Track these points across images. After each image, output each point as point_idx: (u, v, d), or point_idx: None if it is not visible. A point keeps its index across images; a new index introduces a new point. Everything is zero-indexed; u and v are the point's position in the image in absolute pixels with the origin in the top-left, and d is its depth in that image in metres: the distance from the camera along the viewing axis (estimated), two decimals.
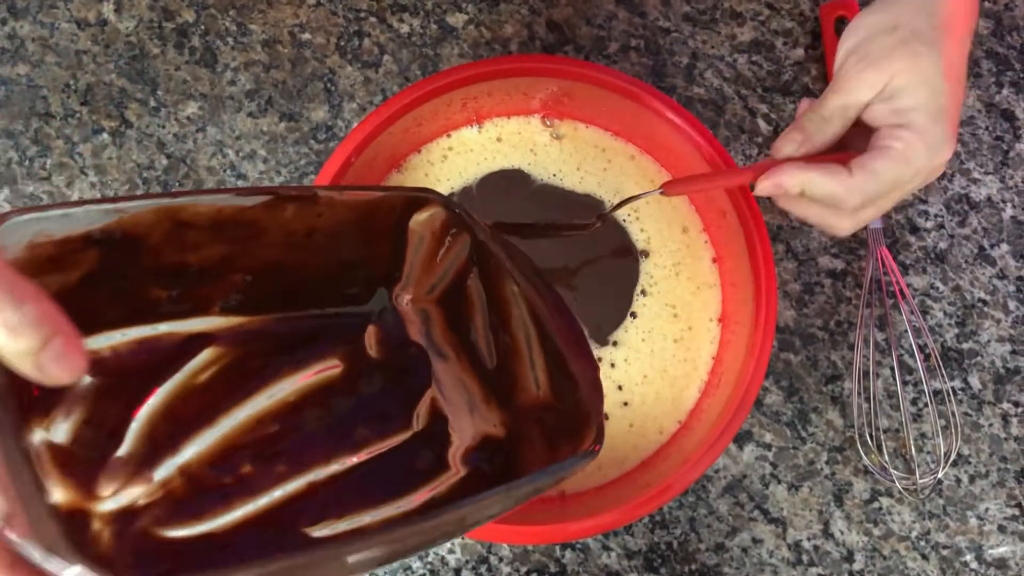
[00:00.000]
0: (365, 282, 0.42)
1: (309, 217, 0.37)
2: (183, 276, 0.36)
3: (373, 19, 0.59)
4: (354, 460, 0.38)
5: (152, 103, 0.57)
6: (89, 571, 0.25)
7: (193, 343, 0.38)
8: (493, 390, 0.42)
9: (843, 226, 0.43)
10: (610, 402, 0.52)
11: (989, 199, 0.58)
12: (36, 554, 0.26)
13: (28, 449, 0.28)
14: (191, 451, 0.36)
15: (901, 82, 0.41)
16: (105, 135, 0.57)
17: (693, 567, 0.53)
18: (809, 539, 0.54)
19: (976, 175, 0.58)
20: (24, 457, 0.28)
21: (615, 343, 0.53)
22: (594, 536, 0.53)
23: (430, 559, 0.52)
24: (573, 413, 0.37)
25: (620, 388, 0.52)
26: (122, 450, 0.35)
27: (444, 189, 0.54)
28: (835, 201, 0.41)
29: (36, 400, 0.34)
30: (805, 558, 0.53)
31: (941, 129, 0.40)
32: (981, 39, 0.60)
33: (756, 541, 0.53)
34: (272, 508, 0.36)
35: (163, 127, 0.57)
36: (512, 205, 0.54)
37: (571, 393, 0.38)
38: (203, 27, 0.58)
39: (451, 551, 0.52)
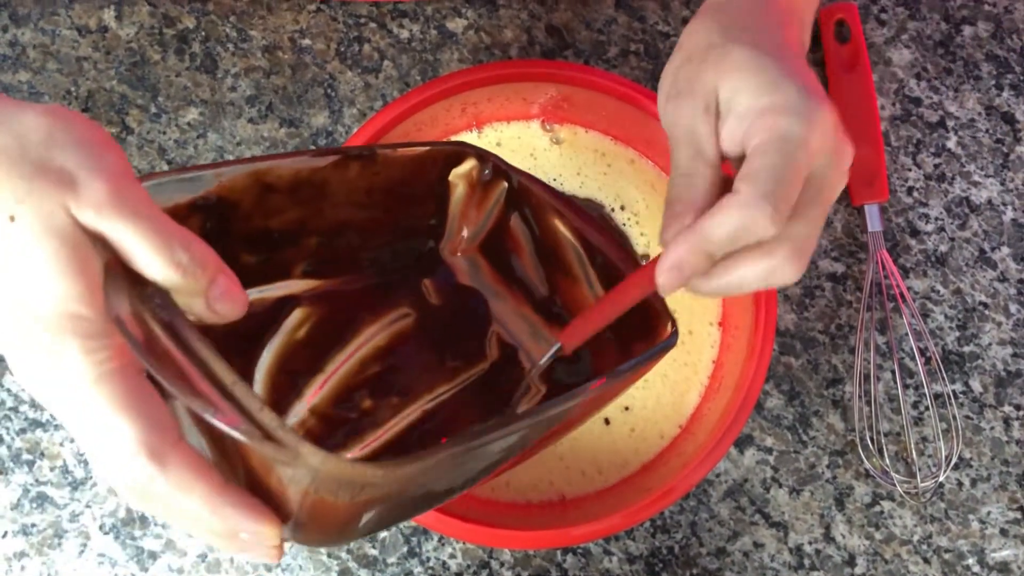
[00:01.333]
0: (416, 239, 0.46)
1: (368, 175, 0.41)
2: (267, 242, 0.40)
3: (373, 25, 0.59)
4: (453, 387, 0.43)
5: (153, 109, 0.57)
6: (316, 449, 0.27)
7: (281, 306, 0.42)
8: (552, 315, 0.45)
9: (785, 263, 0.34)
10: (611, 407, 0.52)
11: (990, 202, 0.58)
12: (268, 420, 0.27)
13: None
14: (313, 395, 0.40)
15: (726, 90, 0.35)
16: None
17: (695, 571, 0.53)
18: (811, 543, 0.53)
19: (976, 178, 0.58)
20: (215, 354, 0.29)
21: None
22: (595, 541, 0.53)
23: (431, 564, 0.52)
24: (640, 315, 0.39)
25: None
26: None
27: None
28: (747, 232, 0.33)
29: None
30: (807, 562, 0.53)
31: (792, 90, 0.34)
32: (981, 42, 0.60)
33: (757, 545, 0.53)
34: (401, 434, 0.41)
35: (164, 133, 0.57)
36: None
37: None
38: (203, 33, 0.58)
39: (452, 556, 0.52)
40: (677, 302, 0.53)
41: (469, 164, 0.44)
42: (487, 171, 0.45)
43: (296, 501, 0.29)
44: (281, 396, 0.40)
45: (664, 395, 0.52)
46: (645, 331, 0.40)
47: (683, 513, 0.54)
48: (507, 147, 0.55)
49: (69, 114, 0.30)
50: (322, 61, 0.58)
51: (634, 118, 0.52)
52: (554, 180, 0.55)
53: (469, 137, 0.55)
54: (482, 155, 0.44)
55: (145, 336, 0.29)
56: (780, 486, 0.54)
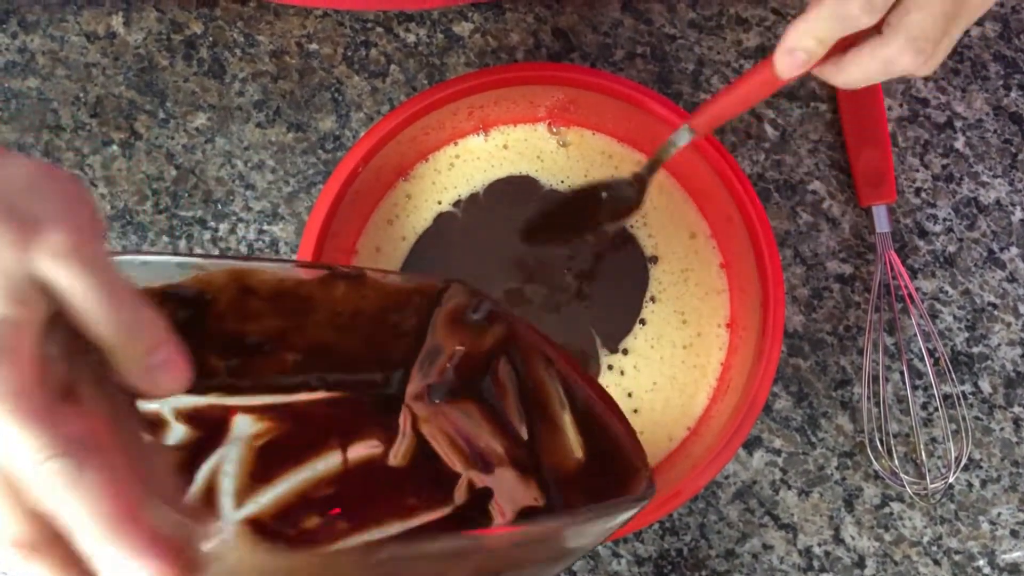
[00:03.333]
0: (397, 371, 0.43)
1: (355, 298, 0.39)
2: (241, 348, 0.38)
3: (380, 29, 0.59)
4: (407, 525, 0.40)
5: (161, 115, 0.58)
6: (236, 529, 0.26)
7: (243, 416, 0.40)
8: (528, 467, 0.42)
9: (901, 54, 0.35)
10: None
11: (998, 202, 0.57)
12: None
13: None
14: (254, 506, 0.38)
15: None
16: (115, 147, 0.57)
17: (703, 573, 0.53)
18: (820, 545, 0.53)
19: (985, 178, 0.58)
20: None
21: (624, 351, 0.53)
22: (604, 543, 0.53)
23: None
24: (616, 471, 0.38)
25: (630, 395, 0.52)
26: (188, 499, 0.37)
27: (451, 196, 0.55)
28: (844, 22, 0.35)
29: None
30: (816, 564, 0.53)
31: None
32: (988, 42, 0.59)
33: (767, 547, 0.53)
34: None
35: (172, 138, 0.57)
36: (520, 211, 0.55)
37: (612, 453, 0.38)
38: (211, 39, 0.58)
39: None
40: (686, 303, 0.53)
41: (456, 302, 0.42)
42: (479, 312, 0.42)
43: None
44: (215, 503, 0.38)
45: (672, 397, 0.52)
46: (619, 488, 0.38)
47: (692, 515, 0.54)
48: (514, 150, 0.55)
49: (54, 169, 0.30)
50: (329, 66, 0.58)
51: (641, 120, 0.52)
52: (562, 182, 0.55)
53: (476, 140, 0.55)
54: (474, 294, 0.42)
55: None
56: (789, 488, 0.54)
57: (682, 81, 0.58)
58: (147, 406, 0.37)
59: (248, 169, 0.57)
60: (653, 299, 0.54)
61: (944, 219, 0.57)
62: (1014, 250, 0.57)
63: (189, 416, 0.38)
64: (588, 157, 0.55)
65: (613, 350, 0.53)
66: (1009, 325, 0.56)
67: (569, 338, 0.53)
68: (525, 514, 0.41)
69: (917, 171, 0.58)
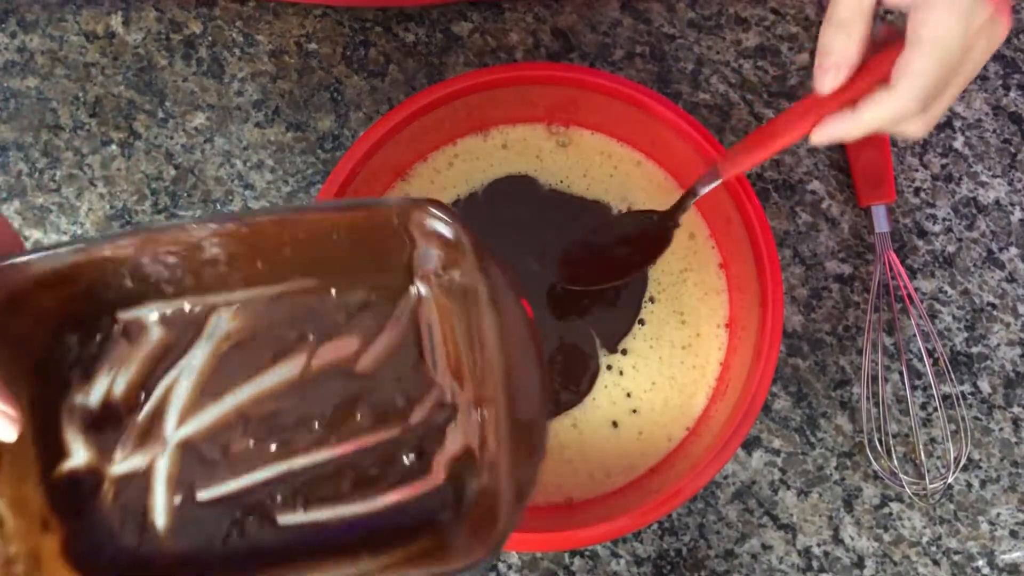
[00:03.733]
0: (395, 264, 0.40)
1: (297, 231, 0.37)
2: (194, 268, 0.38)
3: (379, 29, 0.59)
4: (341, 450, 0.39)
5: (160, 114, 0.58)
6: None
7: (221, 313, 0.40)
8: (481, 407, 0.39)
9: (916, 131, 0.39)
10: (619, 410, 0.52)
11: (997, 202, 0.57)
12: None
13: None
14: (193, 425, 0.39)
15: None
16: (114, 146, 0.57)
17: (703, 574, 0.53)
18: (819, 545, 0.53)
19: (984, 178, 0.58)
20: None
21: (624, 351, 0.53)
22: (603, 543, 0.53)
23: None
24: (493, 502, 0.35)
25: (629, 395, 0.52)
26: (140, 417, 0.38)
27: (451, 196, 0.55)
28: (896, 121, 0.38)
29: (80, 366, 0.38)
30: (815, 564, 0.53)
31: None
32: None
33: (766, 547, 0.53)
34: (253, 487, 0.38)
35: (171, 138, 0.57)
36: (520, 210, 0.55)
37: (499, 478, 0.35)
38: (210, 38, 0.58)
39: None
40: (684, 303, 0.53)
41: (429, 221, 0.37)
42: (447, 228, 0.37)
43: None
44: (162, 419, 0.38)
45: (672, 398, 0.52)
46: (487, 522, 0.35)
47: (691, 515, 0.53)
48: (513, 149, 0.55)
49: None
50: (328, 65, 0.58)
51: (640, 120, 0.52)
52: (561, 182, 0.55)
53: (475, 139, 0.55)
54: (450, 215, 0.37)
55: None
56: (788, 488, 0.54)
57: (681, 81, 0.58)
58: (126, 314, 0.38)
59: (247, 169, 0.57)
60: (652, 299, 0.54)
61: (943, 219, 0.57)
62: (1013, 250, 0.57)
63: (165, 319, 0.39)
64: (587, 157, 0.55)
65: (612, 350, 0.53)
66: (1008, 325, 0.56)
67: (569, 338, 0.53)
68: (465, 456, 0.38)
69: (916, 171, 0.58)
